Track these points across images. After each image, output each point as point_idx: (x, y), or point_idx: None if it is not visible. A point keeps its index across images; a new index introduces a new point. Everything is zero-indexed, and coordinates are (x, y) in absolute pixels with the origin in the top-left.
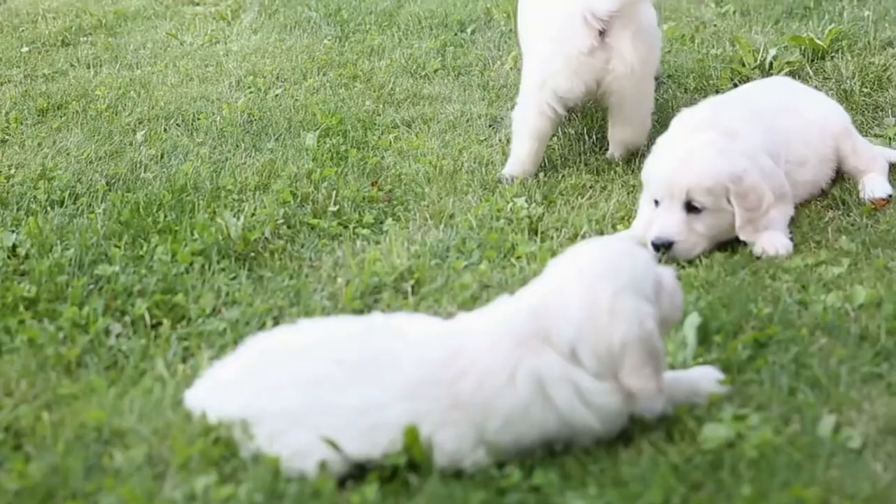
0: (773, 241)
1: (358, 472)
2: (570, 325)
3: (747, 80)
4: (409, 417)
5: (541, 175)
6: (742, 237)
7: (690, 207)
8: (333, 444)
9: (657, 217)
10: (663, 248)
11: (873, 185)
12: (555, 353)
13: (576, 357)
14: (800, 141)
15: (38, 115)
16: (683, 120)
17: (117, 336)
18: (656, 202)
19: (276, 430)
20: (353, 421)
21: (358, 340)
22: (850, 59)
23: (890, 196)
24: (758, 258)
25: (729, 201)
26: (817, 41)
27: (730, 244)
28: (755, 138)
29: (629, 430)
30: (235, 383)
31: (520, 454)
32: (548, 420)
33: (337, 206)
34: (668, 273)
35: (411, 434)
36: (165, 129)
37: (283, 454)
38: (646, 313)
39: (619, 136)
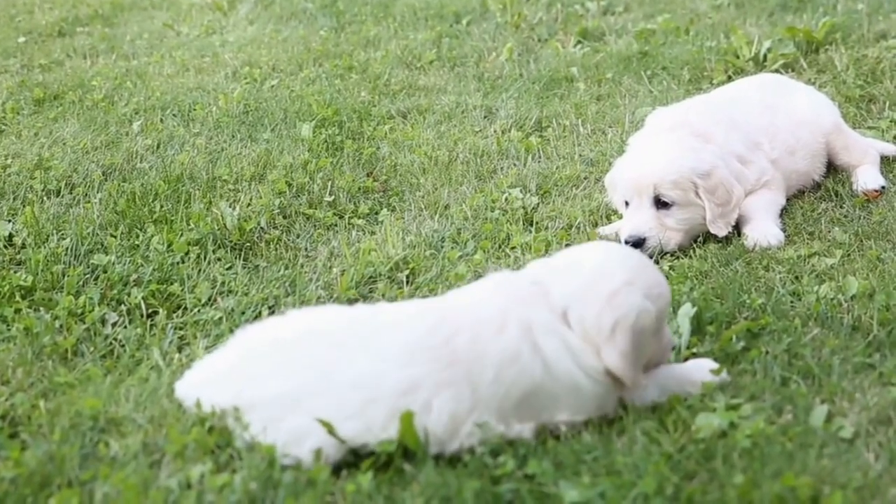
0: (764, 232)
1: (353, 459)
2: (568, 286)
3: (742, 71)
4: (406, 384)
5: (536, 166)
6: (713, 231)
7: (660, 203)
8: (329, 427)
9: (628, 216)
10: (636, 246)
11: (866, 177)
12: (547, 309)
13: (566, 319)
14: (788, 134)
15: (35, 105)
16: (658, 119)
17: (113, 325)
18: (626, 203)
19: (270, 416)
20: (349, 398)
21: (348, 323)
22: (844, 51)
23: (882, 187)
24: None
25: (698, 195)
26: (812, 33)
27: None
28: (728, 141)
29: (622, 420)
30: (225, 373)
31: (508, 418)
32: (535, 370)
33: (332, 197)
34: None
35: (406, 421)
36: (161, 120)
37: (279, 441)
38: (646, 310)
39: None
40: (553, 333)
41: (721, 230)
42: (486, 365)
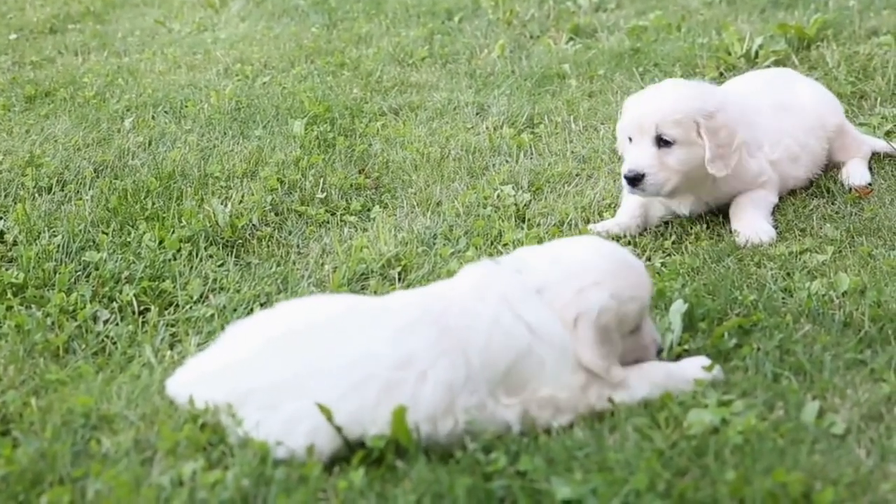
0: (755, 229)
1: (345, 455)
2: (544, 275)
3: (733, 68)
4: (401, 358)
5: (528, 163)
6: (711, 170)
7: (661, 142)
8: (327, 412)
9: (629, 151)
10: (636, 181)
11: (852, 172)
12: (521, 285)
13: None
14: (792, 140)
15: (26, 102)
16: None
17: (105, 322)
18: (630, 141)
19: (264, 405)
20: (343, 377)
21: (340, 312)
22: (835, 48)
23: (869, 184)
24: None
25: (700, 135)
26: (804, 30)
27: (715, 231)
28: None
29: (614, 416)
30: (217, 369)
31: (497, 389)
32: (522, 334)
33: (324, 194)
34: (655, 331)
35: (398, 416)
36: (153, 117)
37: (273, 429)
38: (609, 309)
39: None
40: (530, 302)
41: (720, 170)
42: (476, 332)
